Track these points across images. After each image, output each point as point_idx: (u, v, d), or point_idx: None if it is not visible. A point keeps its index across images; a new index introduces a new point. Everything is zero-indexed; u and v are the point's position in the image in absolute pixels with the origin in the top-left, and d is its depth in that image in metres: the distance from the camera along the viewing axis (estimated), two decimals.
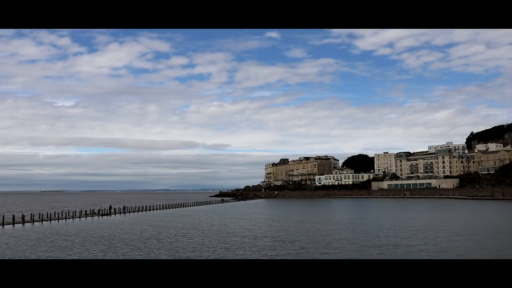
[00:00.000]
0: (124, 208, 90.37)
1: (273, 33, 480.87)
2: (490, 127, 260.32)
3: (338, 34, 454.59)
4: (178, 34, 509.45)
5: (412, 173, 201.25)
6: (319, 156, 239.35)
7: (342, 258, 31.19)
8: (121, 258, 31.72)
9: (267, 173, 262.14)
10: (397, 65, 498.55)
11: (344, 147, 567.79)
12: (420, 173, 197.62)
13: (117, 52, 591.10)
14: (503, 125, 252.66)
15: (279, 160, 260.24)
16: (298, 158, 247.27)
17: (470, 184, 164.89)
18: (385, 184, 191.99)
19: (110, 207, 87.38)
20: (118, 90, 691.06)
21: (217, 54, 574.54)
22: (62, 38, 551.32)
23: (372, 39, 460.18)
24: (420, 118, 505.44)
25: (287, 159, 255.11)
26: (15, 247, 37.88)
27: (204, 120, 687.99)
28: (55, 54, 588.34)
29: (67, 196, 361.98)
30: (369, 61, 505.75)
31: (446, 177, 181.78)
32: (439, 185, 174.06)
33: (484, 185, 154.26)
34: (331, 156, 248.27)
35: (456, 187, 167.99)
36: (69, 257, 32.59)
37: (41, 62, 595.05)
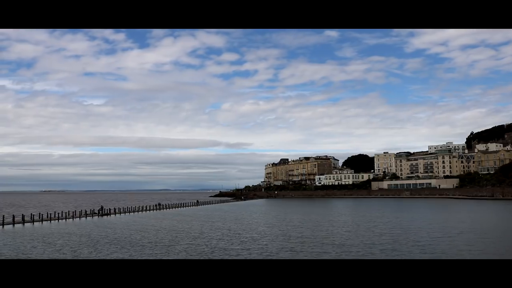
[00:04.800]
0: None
1: (332, 32, 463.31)
2: (490, 127, 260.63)
3: (398, 33, 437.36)
4: (237, 29, 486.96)
5: (412, 173, 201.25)
6: (319, 156, 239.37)
7: (342, 258, 31.19)
8: (121, 258, 31.73)
9: (267, 173, 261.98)
10: (445, 63, 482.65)
11: (363, 146, 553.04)
12: (420, 173, 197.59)
13: (168, 48, 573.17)
14: (503, 125, 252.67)
15: (279, 160, 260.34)
16: (298, 158, 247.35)
17: (470, 184, 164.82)
18: (385, 184, 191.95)
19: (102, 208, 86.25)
20: (157, 87, 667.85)
21: (270, 50, 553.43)
22: (117, 33, 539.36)
23: (429, 37, 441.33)
24: (449, 117, 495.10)
25: (287, 159, 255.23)
26: None
27: (232, 119, 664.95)
28: (103, 49, 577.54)
29: (49, 196, 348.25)
30: (419, 58, 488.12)
31: (446, 177, 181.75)
32: (439, 185, 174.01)
33: (484, 185, 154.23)
34: (331, 156, 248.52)
35: (456, 187, 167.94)
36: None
37: (86, 58, 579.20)
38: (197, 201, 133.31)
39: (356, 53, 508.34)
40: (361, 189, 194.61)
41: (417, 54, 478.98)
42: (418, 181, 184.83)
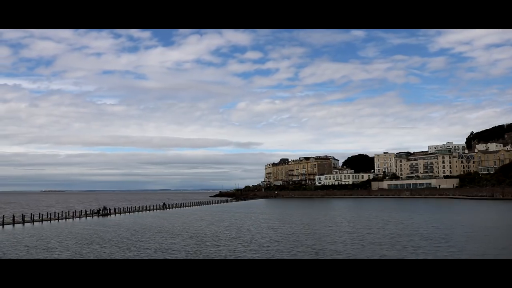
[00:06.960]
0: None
1: (359, 32, 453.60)
2: (490, 127, 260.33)
3: (424, 33, 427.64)
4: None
5: (412, 173, 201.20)
6: (319, 156, 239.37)
7: (342, 258, 31.18)
8: (121, 258, 31.74)
9: (267, 173, 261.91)
10: (467, 62, 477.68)
11: (373, 146, 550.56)
12: (420, 173, 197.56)
13: (192, 46, 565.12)
14: (503, 125, 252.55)
15: (279, 160, 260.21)
16: (298, 158, 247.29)
17: (470, 184, 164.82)
18: (385, 184, 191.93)
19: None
20: (176, 85, 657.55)
21: (295, 49, 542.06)
22: (142, 31, 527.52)
23: (455, 36, 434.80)
24: (463, 117, 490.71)
25: (287, 159, 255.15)
26: None
27: (246, 118, 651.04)
28: (126, 47, 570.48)
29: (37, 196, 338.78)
30: (442, 57, 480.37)
31: (446, 177, 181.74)
32: (439, 185, 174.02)
33: (484, 185, 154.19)
34: (331, 156, 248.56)
35: (456, 187, 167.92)
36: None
37: (106, 56, 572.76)
38: (164, 203, 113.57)
39: (379, 53, 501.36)
40: (361, 189, 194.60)
41: (441, 53, 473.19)
42: (418, 181, 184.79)
